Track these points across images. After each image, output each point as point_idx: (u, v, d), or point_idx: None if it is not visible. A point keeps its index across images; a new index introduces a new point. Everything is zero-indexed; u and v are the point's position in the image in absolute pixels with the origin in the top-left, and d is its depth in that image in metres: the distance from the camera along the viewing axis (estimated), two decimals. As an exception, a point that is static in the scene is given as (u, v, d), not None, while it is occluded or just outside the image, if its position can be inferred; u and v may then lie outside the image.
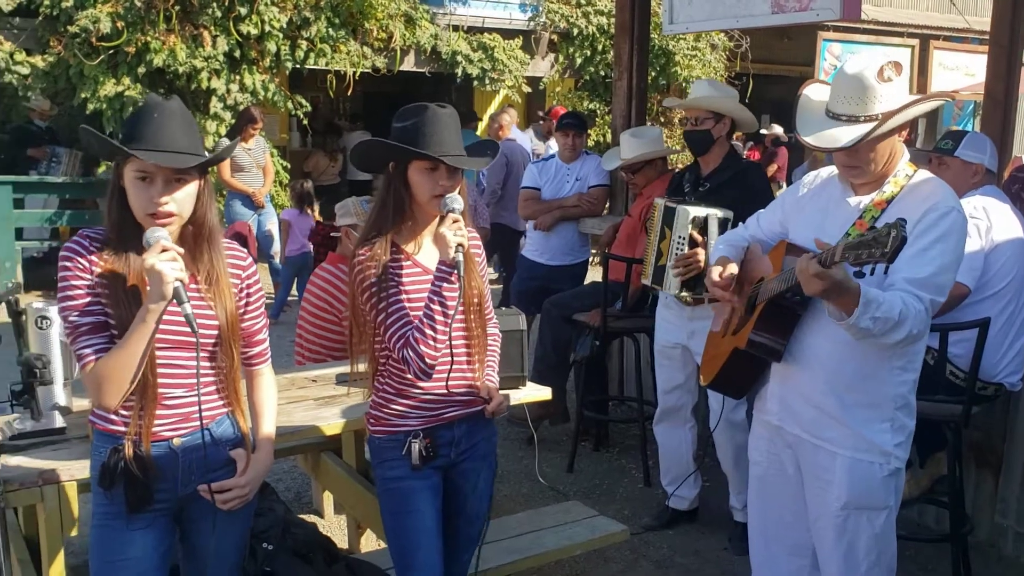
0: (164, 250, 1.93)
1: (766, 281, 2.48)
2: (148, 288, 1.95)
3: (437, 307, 2.27)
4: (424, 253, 2.41)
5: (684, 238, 3.57)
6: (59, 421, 2.76)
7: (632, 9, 5.43)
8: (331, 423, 3.11)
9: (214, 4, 8.74)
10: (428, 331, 2.27)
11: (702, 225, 3.54)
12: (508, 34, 11.02)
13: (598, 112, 11.47)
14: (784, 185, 11.42)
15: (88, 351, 1.99)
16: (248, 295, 2.24)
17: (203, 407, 2.11)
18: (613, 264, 4.62)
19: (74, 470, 2.57)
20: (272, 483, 3.89)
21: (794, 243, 2.50)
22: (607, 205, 5.72)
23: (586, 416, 4.97)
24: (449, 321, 2.28)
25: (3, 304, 2.60)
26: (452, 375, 2.38)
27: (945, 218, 2.27)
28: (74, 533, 2.70)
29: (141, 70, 8.62)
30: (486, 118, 11.33)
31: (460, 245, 2.25)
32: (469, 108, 10.93)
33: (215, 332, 2.12)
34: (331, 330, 4.02)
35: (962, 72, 13.54)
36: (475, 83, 10.90)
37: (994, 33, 4.35)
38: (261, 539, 2.96)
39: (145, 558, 2.11)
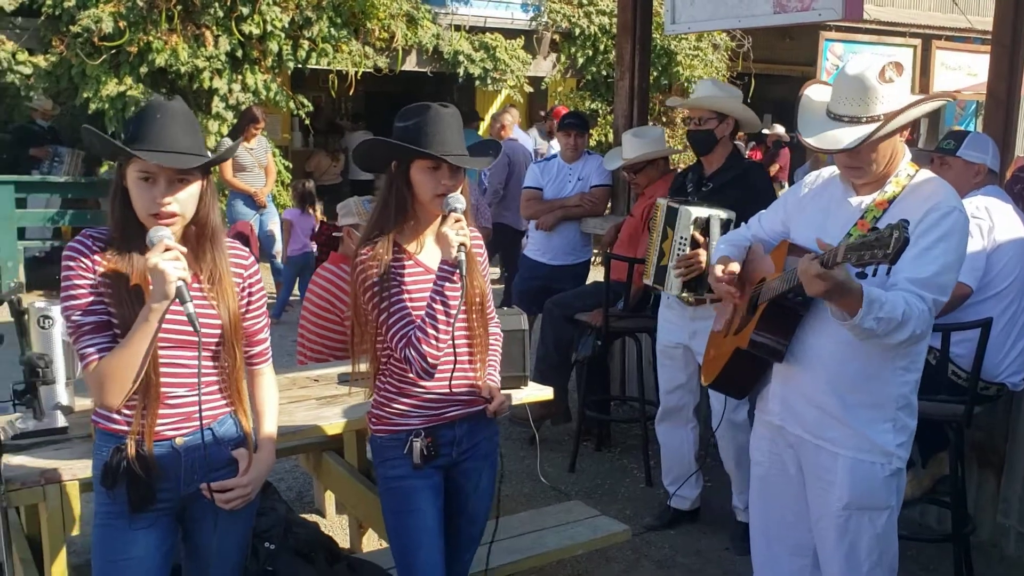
0: (167, 249, 1.93)
1: (768, 281, 2.48)
2: (151, 287, 1.95)
3: (439, 306, 2.27)
4: (426, 253, 2.41)
5: (686, 239, 3.57)
6: (61, 420, 2.76)
7: (634, 9, 5.43)
8: (333, 422, 3.11)
9: (216, 4, 8.75)
10: (430, 330, 2.27)
11: (704, 226, 3.54)
12: (510, 34, 11.03)
13: (600, 112, 11.47)
14: (786, 185, 11.39)
15: (91, 350, 1.99)
16: (250, 294, 2.25)
17: (206, 406, 2.12)
18: (615, 264, 4.62)
19: (76, 469, 2.57)
20: (274, 482, 3.89)
21: (796, 243, 2.51)
22: (609, 205, 5.73)
23: (588, 416, 4.97)
24: (451, 320, 2.28)
25: (5, 303, 2.61)
26: (455, 375, 2.38)
27: (947, 218, 2.27)
28: (76, 532, 2.70)
29: (143, 70, 8.63)
30: (488, 118, 11.34)
31: (462, 244, 2.25)
32: (471, 108, 10.93)
33: (218, 332, 2.12)
34: (333, 330, 4.02)
35: (964, 72, 13.52)
36: (477, 83, 10.91)
37: (996, 33, 4.34)
38: (263, 538, 2.96)
39: (147, 557, 2.12)
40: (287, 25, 9.19)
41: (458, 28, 10.65)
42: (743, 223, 2.89)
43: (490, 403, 2.46)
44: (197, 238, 2.11)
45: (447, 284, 2.28)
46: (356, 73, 9.83)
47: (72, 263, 2.01)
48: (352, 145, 9.36)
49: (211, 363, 2.15)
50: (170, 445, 2.11)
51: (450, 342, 2.30)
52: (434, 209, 2.35)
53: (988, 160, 3.63)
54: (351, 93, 10.27)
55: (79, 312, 2.00)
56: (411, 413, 2.41)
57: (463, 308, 2.35)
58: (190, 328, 1.96)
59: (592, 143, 10.14)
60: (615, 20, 7.33)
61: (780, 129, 12.24)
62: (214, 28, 8.85)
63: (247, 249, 2.29)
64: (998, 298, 3.44)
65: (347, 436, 3.71)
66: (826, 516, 2.46)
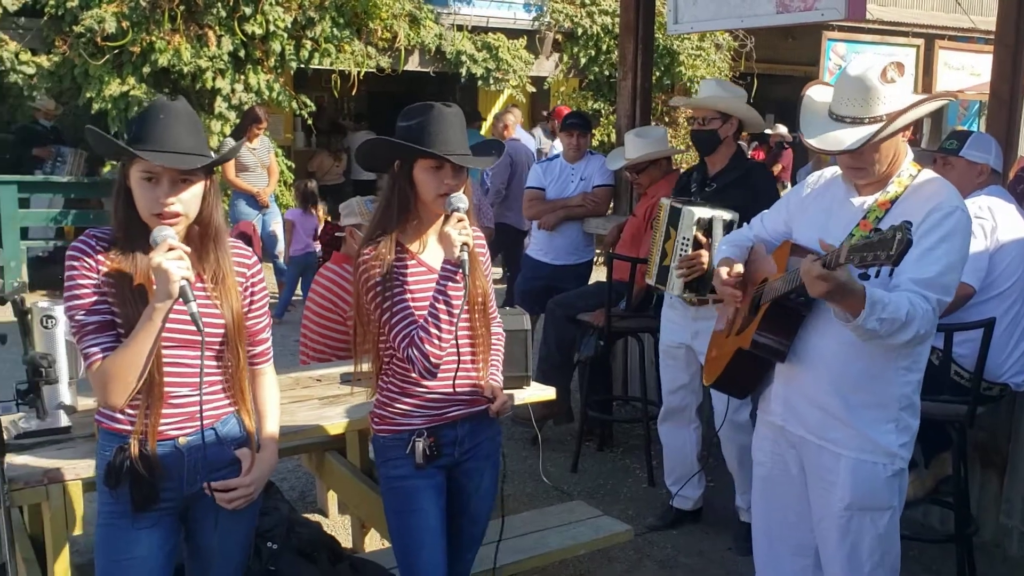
0: (171, 249, 1.94)
1: (770, 281, 2.48)
2: (154, 287, 1.96)
3: (442, 306, 2.27)
4: (429, 252, 2.42)
5: (688, 239, 3.57)
6: (64, 420, 2.76)
7: (637, 9, 5.43)
8: (335, 422, 3.12)
9: (219, 4, 8.76)
10: (433, 330, 2.27)
11: (707, 227, 3.54)
12: (512, 34, 11.03)
13: (602, 112, 11.47)
14: (788, 185, 11.38)
15: (95, 350, 1.99)
16: (252, 294, 2.25)
17: (210, 406, 2.12)
18: (617, 264, 4.62)
19: (79, 469, 2.57)
20: (276, 482, 3.90)
21: (798, 243, 2.50)
22: (611, 205, 5.73)
23: (590, 416, 4.97)
24: (454, 320, 2.28)
25: (9, 303, 2.61)
26: (458, 375, 2.38)
27: (949, 217, 2.27)
28: (79, 532, 2.70)
29: (146, 70, 8.64)
30: (490, 118, 11.34)
31: (465, 244, 2.25)
32: (473, 108, 10.93)
33: (221, 331, 2.12)
34: (336, 329, 4.03)
35: (967, 72, 13.49)
36: (479, 83, 10.90)
37: (999, 33, 4.34)
38: (265, 538, 2.96)
39: (151, 557, 2.12)
40: (290, 25, 9.20)
41: (460, 28, 10.65)
42: (746, 224, 2.89)
43: (492, 403, 2.46)
44: (200, 238, 2.11)
45: (450, 284, 2.28)
46: (359, 73, 9.83)
47: (76, 263, 2.02)
48: (354, 145, 9.37)
49: (214, 363, 2.15)
50: (173, 445, 2.11)
51: (453, 342, 2.30)
52: (437, 209, 2.35)
53: (991, 160, 3.63)
54: (354, 93, 10.27)
55: (83, 312, 2.00)
56: (413, 413, 2.41)
57: (465, 308, 2.35)
58: (194, 328, 1.96)
59: (595, 143, 10.15)
60: (618, 20, 7.35)
61: (783, 129, 12.22)
62: (217, 28, 8.86)
63: (250, 249, 2.30)
64: (1001, 298, 3.44)
65: (349, 436, 3.71)
66: (828, 516, 2.46)
